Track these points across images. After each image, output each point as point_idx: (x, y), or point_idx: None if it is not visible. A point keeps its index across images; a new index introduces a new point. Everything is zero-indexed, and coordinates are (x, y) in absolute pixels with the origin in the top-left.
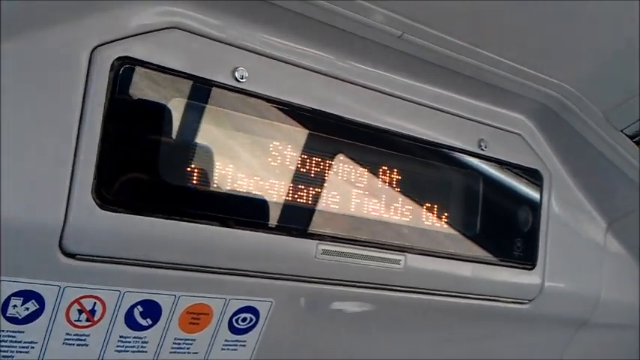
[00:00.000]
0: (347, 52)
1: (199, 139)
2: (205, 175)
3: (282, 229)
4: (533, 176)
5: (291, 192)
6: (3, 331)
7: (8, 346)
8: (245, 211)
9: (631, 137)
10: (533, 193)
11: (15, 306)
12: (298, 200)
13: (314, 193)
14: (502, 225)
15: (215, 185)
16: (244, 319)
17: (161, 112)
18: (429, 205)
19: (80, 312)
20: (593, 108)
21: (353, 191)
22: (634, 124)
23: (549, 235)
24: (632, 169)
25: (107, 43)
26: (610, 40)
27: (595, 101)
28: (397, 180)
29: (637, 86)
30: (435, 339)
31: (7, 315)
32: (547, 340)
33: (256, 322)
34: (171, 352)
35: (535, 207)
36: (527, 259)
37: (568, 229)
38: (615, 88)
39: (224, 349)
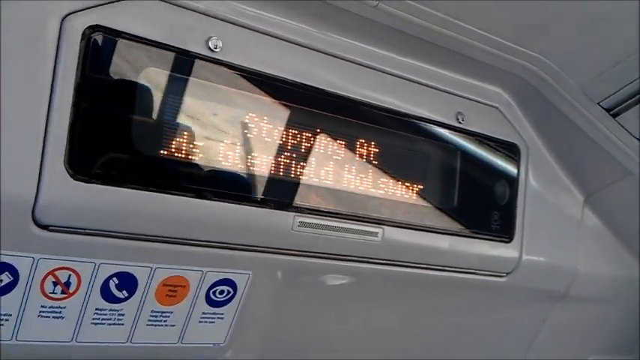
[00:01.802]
0: (323, 23)
1: (173, 110)
2: (180, 146)
3: (258, 201)
4: (510, 150)
5: (267, 164)
6: None
7: None
8: (221, 183)
9: (607, 110)
10: (510, 167)
11: None
12: (275, 172)
13: (291, 165)
14: (479, 198)
15: (190, 156)
16: (222, 292)
17: (134, 82)
18: (407, 177)
19: (55, 284)
20: (569, 81)
21: (330, 164)
22: (610, 96)
23: (526, 209)
24: (609, 142)
25: (78, 11)
26: (587, 13)
27: (572, 74)
28: (374, 153)
29: (613, 58)
30: (413, 311)
31: None
32: (525, 313)
33: (234, 295)
34: (147, 325)
35: (512, 180)
36: (504, 232)
37: (545, 202)
38: (592, 61)
39: (202, 322)
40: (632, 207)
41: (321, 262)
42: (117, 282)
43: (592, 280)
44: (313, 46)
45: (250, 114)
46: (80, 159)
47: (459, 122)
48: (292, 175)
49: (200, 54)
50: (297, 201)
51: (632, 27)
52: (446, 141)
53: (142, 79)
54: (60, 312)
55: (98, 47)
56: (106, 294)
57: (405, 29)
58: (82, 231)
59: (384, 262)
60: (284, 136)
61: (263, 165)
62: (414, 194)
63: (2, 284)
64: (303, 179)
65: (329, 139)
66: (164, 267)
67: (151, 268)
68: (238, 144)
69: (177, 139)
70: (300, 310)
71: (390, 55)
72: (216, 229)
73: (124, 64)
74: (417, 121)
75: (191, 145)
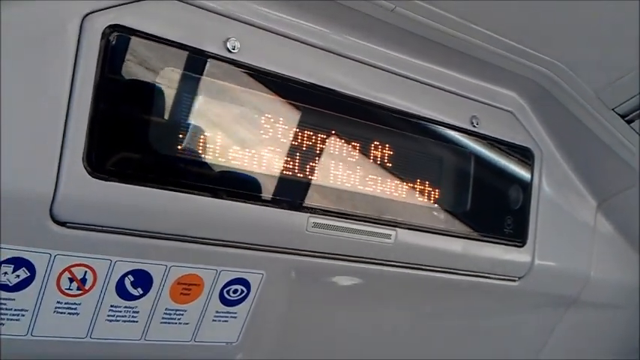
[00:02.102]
0: (340, 25)
1: (191, 110)
2: (197, 146)
3: (273, 201)
4: (524, 154)
5: (282, 165)
6: None
7: None
8: (236, 183)
9: (622, 116)
10: (524, 171)
11: (6, 273)
12: (290, 173)
13: (306, 166)
14: (493, 202)
15: (207, 156)
16: (235, 291)
17: (152, 81)
18: (421, 180)
19: (71, 280)
20: (584, 86)
21: (344, 165)
22: (625, 102)
23: (540, 213)
24: (623, 148)
25: (98, 10)
26: (603, 19)
27: (587, 79)
28: (389, 155)
29: (629, 65)
30: (424, 314)
31: None
32: (537, 317)
33: (247, 294)
34: (162, 323)
35: (526, 185)
36: (517, 236)
37: (558, 207)
38: (607, 67)
39: (215, 321)
40: None
41: (334, 263)
42: (132, 279)
43: (604, 286)
44: (329, 48)
45: (266, 115)
46: (98, 157)
47: (474, 126)
48: (307, 176)
49: (218, 54)
50: (312, 202)
51: None
52: (460, 144)
53: (160, 79)
54: (75, 308)
55: (118, 46)
56: (121, 291)
57: (421, 32)
58: (99, 228)
59: (397, 264)
60: (299, 137)
61: (278, 166)
62: (428, 197)
63: (19, 280)
64: (318, 180)
65: (344, 140)
66: (179, 265)
67: (166, 266)
68: (254, 144)
69: (194, 139)
70: (312, 311)
71: (405, 58)
72: (231, 229)
73: (142, 64)
74: (432, 125)
75: (207, 145)
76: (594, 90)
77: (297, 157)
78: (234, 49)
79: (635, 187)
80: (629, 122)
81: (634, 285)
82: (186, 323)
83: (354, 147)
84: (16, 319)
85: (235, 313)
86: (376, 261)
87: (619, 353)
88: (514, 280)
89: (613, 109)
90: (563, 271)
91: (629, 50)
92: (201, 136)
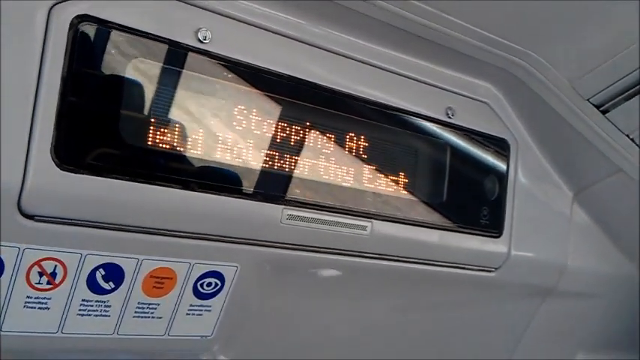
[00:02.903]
0: (314, 16)
1: (161, 101)
2: (168, 138)
3: (247, 193)
4: (500, 145)
5: (256, 156)
6: None
7: None
8: (209, 175)
9: (597, 106)
10: (499, 162)
11: None
12: (263, 165)
13: (280, 158)
14: (469, 193)
15: (178, 148)
16: (209, 284)
17: (122, 72)
18: (396, 172)
19: (41, 274)
20: (559, 77)
21: (319, 157)
22: (600, 93)
23: (516, 204)
24: (599, 138)
25: (66, 0)
26: (576, 9)
27: (561, 70)
28: (364, 146)
29: (603, 55)
30: (402, 306)
31: None
32: (514, 308)
33: (221, 287)
34: (134, 317)
35: (502, 176)
36: (493, 227)
37: (534, 198)
38: (582, 57)
39: (189, 314)
40: (620, 203)
41: (309, 255)
42: (103, 273)
43: (580, 276)
44: (303, 39)
45: (239, 106)
46: (67, 148)
47: (449, 117)
48: (281, 168)
49: (189, 45)
50: (286, 194)
51: (621, 24)
52: (435, 136)
53: (130, 70)
54: (46, 303)
55: (86, 37)
56: (93, 285)
57: (396, 23)
58: (69, 221)
59: (373, 255)
60: (273, 128)
61: (251, 157)
62: (404, 188)
63: None
64: (292, 172)
65: (318, 132)
66: (151, 258)
67: (138, 259)
68: (227, 136)
69: (165, 131)
70: (288, 303)
71: (380, 49)
72: (204, 221)
73: (112, 55)
74: (407, 116)
75: (179, 137)
76: (569, 80)
77: (271, 149)
78: (205, 40)
79: (611, 177)
80: (604, 112)
81: (610, 274)
82: (160, 317)
83: (329, 138)
84: None
85: (210, 306)
86: (352, 253)
87: (596, 343)
88: (491, 271)
89: (588, 100)
90: (540, 262)
91: (603, 40)
92: (173, 128)
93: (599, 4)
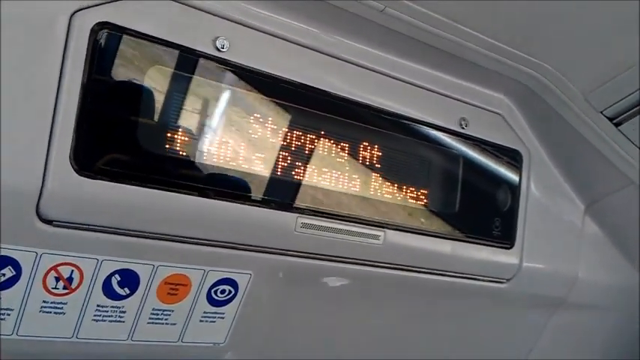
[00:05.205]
0: (330, 25)
1: (179, 109)
2: (185, 145)
3: (262, 201)
4: (512, 156)
5: (271, 165)
6: None
7: None
8: (225, 183)
9: (610, 119)
10: (512, 173)
11: None
12: (278, 173)
13: (295, 166)
14: (481, 204)
15: (195, 155)
16: (223, 291)
17: (140, 79)
18: (409, 181)
19: (57, 279)
20: (573, 88)
21: (334, 166)
22: (613, 105)
23: (528, 215)
24: (611, 150)
25: (87, 8)
26: (590, 22)
27: (575, 82)
28: (378, 156)
29: (617, 67)
30: (413, 315)
31: None
32: (525, 319)
33: (235, 295)
34: (148, 323)
35: (514, 187)
36: (505, 238)
37: (546, 209)
38: (595, 70)
39: (202, 321)
40: (632, 216)
41: (322, 263)
42: (119, 279)
43: (591, 288)
44: (319, 49)
45: (255, 114)
46: (86, 154)
47: (462, 128)
48: (296, 177)
49: (207, 53)
50: (300, 202)
51: (635, 37)
52: (449, 146)
53: (148, 78)
54: (61, 308)
55: (107, 44)
56: (108, 291)
57: (411, 34)
58: (86, 227)
59: (386, 265)
60: (288, 137)
61: (267, 165)
62: (416, 198)
63: (4, 279)
64: (307, 181)
65: (333, 141)
66: (166, 265)
67: (154, 265)
68: (243, 144)
69: (182, 138)
70: (300, 312)
71: (395, 59)
72: (219, 229)
73: (131, 62)
74: (421, 126)
75: (196, 145)
76: (582, 92)
77: (286, 157)
78: (223, 48)
79: (623, 190)
80: (617, 125)
81: (621, 287)
82: (174, 324)
83: (343, 147)
84: (2, 319)
85: (223, 313)
86: (365, 262)
87: (606, 354)
88: (502, 282)
89: (601, 112)
90: (551, 273)
91: (617, 53)
92: (190, 136)
93: (613, 17)
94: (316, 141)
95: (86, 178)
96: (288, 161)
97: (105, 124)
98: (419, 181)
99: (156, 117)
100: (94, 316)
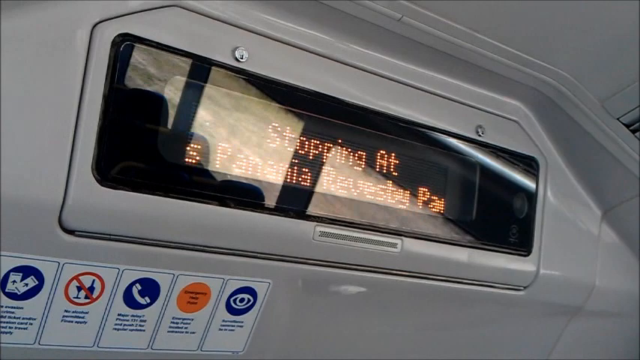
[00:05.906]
0: (347, 35)
1: (199, 119)
2: (205, 155)
3: (280, 210)
4: (529, 163)
5: (289, 174)
6: (2, 306)
7: (7, 322)
8: (244, 192)
9: (627, 125)
10: (529, 181)
11: (14, 281)
12: (296, 182)
13: (312, 175)
14: (498, 211)
15: (214, 165)
16: (242, 300)
17: (161, 90)
18: (426, 189)
19: (79, 289)
20: (589, 95)
21: (351, 174)
22: (630, 112)
23: (545, 223)
24: (628, 157)
25: (108, 19)
26: (608, 28)
27: (592, 89)
28: (395, 164)
29: (634, 74)
30: (431, 323)
31: (7, 290)
32: (542, 326)
33: (254, 303)
34: (168, 332)
35: (531, 194)
36: (522, 245)
37: (563, 216)
38: (612, 76)
39: (222, 330)
40: None
41: (340, 272)
42: (140, 288)
43: (608, 295)
44: (337, 58)
45: (274, 124)
46: (107, 165)
47: (479, 135)
48: (313, 185)
49: (226, 64)
50: (319, 211)
51: None
52: (465, 154)
53: (169, 88)
54: (83, 317)
55: (128, 55)
56: (129, 300)
57: (427, 42)
58: (107, 236)
59: (403, 273)
60: (306, 146)
61: (285, 174)
62: (434, 206)
63: (27, 288)
64: (325, 189)
65: (350, 149)
66: (186, 274)
67: (174, 275)
68: (262, 153)
69: (202, 148)
70: (318, 320)
71: (412, 67)
72: (238, 238)
73: (152, 73)
74: (437, 134)
75: (215, 154)
76: (599, 99)
77: (304, 166)
78: (242, 59)
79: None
80: (633, 132)
81: (638, 294)
82: (193, 332)
83: (360, 156)
84: (24, 328)
85: (242, 322)
86: (382, 270)
87: None
88: (519, 290)
89: (618, 119)
90: (568, 281)
91: (633, 60)
92: (209, 145)
93: (629, 25)
94: (334, 149)
95: (108, 189)
96: (307, 170)
97: (126, 134)
98: (436, 189)
99: (176, 127)
100: (115, 325)
